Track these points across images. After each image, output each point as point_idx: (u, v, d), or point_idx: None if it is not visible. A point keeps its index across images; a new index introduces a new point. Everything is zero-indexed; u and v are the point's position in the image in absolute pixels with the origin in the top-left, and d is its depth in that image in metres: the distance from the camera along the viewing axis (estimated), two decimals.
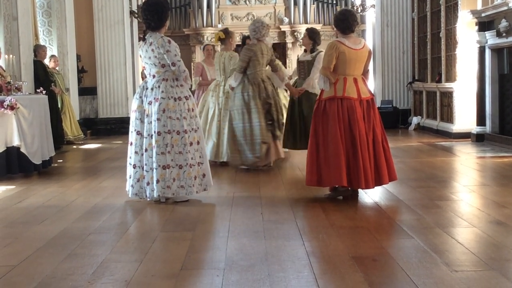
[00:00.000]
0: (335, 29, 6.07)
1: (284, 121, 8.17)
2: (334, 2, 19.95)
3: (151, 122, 5.79)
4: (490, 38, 10.23)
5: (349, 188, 5.81)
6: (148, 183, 5.80)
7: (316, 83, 7.79)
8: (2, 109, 7.32)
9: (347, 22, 5.81)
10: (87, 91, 14.59)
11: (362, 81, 5.85)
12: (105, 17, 14.34)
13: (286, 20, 19.64)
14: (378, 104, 14.39)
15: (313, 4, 19.85)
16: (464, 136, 11.14)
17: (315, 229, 4.77)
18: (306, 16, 19.68)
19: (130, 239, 4.66)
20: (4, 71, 8.53)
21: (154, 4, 5.87)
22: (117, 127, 14.23)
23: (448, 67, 12.07)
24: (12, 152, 7.51)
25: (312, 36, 8.18)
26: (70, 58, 13.33)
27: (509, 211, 5.16)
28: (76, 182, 7.38)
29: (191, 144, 5.82)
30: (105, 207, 5.74)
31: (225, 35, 8.72)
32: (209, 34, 19.68)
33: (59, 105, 11.53)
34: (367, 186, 5.64)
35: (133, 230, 4.98)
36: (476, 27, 10.54)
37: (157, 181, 5.71)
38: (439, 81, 12.46)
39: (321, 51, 7.95)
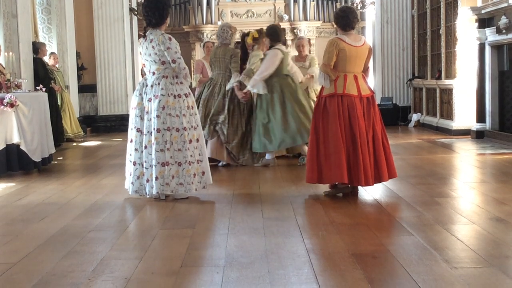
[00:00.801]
0: (335, 26, 6.08)
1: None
2: None
3: (150, 119, 5.78)
4: (490, 35, 10.22)
5: (349, 185, 5.81)
6: (147, 180, 5.80)
7: (261, 84, 7.81)
8: (2, 106, 7.32)
9: (347, 19, 5.81)
10: (87, 88, 14.59)
11: (362, 78, 5.85)
12: (104, 14, 14.33)
13: (286, 17, 19.63)
14: (378, 101, 14.38)
15: (313, 1, 19.83)
16: (464, 133, 11.14)
17: (315, 226, 4.78)
18: (306, 13, 19.67)
19: (130, 236, 4.66)
20: (4, 68, 8.53)
21: (155, 1, 5.87)
22: (117, 125, 14.23)
23: (448, 64, 12.06)
24: (12, 150, 7.51)
25: (267, 34, 8.08)
26: (70, 56, 13.33)
27: (509, 208, 5.16)
28: (76, 179, 7.38)
29: (190, 141, 5.82)
30: (105, 205, 5.74)
31: (259, 35, 8.76)
32: (208, 31, 19.67)
33: (59, 103, 11.53)
34: (367, 183, 5.65)
35: (133, 227, 4.98)
36: (476, 24, 10.52)
37: (156, 178, 5.71)
38: (439, 78, 12.46)
39: (276, 49, 7.93)
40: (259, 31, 8.76)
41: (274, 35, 8.04)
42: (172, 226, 4.88)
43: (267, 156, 7.99)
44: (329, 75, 5.73)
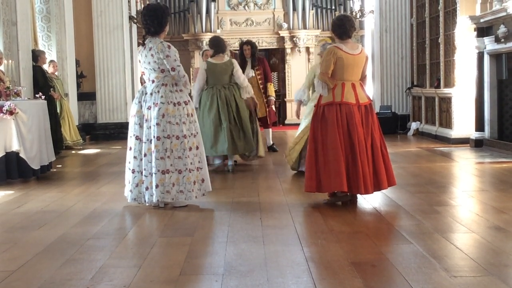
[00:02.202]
0: (332, 34, 6.08)
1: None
2: (333, 7, 19.97)
3: (150, 127, 5.79)
4: (489, 44, 10.24)
5: (348, 194, 5.81)
6: (147, 188, 5.80)
7: (196, 99, 8.22)
8: (1, 114, 7.32)
9: (344, 28, 5.82)
10: (86, 96, 14.59)
11: (360, 87, 5.86)
12: (104, 22, 14.35)
13: (285, 25, 19.65)
14: (377, 109, 14.40)
15: (312, 9, 19.85)
16: (462, 141, 11.15)
17: (314, 234, 4.77)
18: (305, 21, 19.69)
19: (129, 244, 4.66)
20: (4, 74, 8.52)
21: (154, 9, 5.89)
22: (116, 132, 14.23)
23: (446, 73, 12.08)
24: (11, 157, 7.51)
25: (210, 44, 8.43)
26: (69, 63, 13.33)
27: (508, 217, 5.16)
28: (75, 187, 7.38)
29: (190, 149, 5.83)
30: (104, 212, 5.74)
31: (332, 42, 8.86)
32: (208, 39, 19.68)
33: (58, 110, 11.52)
34: (366, 192, 5.64)
35: (132, 235, 4.97)
36: (475, 33, 10.56)
37: (156, 186, 5.71)
38: (438, 86, 12.47)
39: (205, 61, 8.36)
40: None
41: (217, 45, 8.31)
42: (171, 234, 4.87)
43: (216, 161, 8.44)
44: (327, 83, 5.74)
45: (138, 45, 15.23)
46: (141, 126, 5.88)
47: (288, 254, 4.15)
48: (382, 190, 5.88)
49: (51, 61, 12.14)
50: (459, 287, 3.40)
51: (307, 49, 19.71)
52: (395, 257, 4.04)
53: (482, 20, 10.22)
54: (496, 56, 10.32)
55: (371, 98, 6.05)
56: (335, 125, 5.65)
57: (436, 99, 12.54)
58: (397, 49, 15.03)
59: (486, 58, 10.43)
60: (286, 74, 19.81)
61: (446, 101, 12.07)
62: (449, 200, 6.10)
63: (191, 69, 18.54)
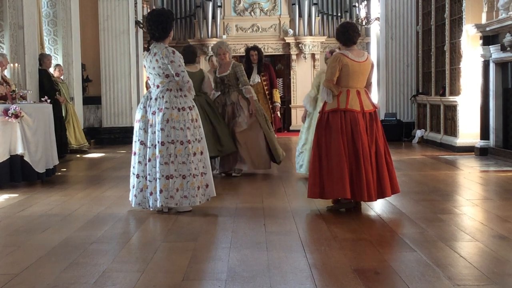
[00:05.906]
0: (337, 42, 6.08)
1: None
2: (339, 14, 19.98)
3: (154, 132, 5.80)
4: (495, 52, 10.23)
5: (352, 201, 5.80)
6: (151, 193, 5.80)
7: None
8: (7, 117, 7.34)
9: (348, 35, 5.82)
10: (92, 100, 14.63)
11: (365, 94, 5.85)
12: (110, 27, 14.40)
13: (290, 32, 19.68)
14: (382, 116, 14.39)
15: (318, 16, 19.87)
16: (467, 149, 11.13)
17: (318, 241, 4.77)
18: (311, 28, 19.70)
19: (132, 249, 4.66)
20: (8, 78, 8.55)
21: (159, 15, 5.91)
22: (121, 137, 14.26)
23: (452, 81, 12.07)
24: (16, 161, 7.52)
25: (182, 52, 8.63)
26: (75, 67, 13.37)
27: None
28: (79, 191, 7.39)
29: (194, 154, 5.83)
30: (108, 217, 5.74)
31: None
32: (213, 45, 19.72)
33: (63, 114, 11.55)
34: (370, 199, 5.64)
35: (135, 239, 4.98)
36: (481, 41, 10.55)
37: (161, 191, 5.71)
38: (443, 94, 12.46)
39: None
40: None
41: (184, 56, 8.46)
42: (174, 239, 4.87)
43: None
44: (332, 90, 5.74)
45: (144, 50, 15.27)
46: (145, 131, 5.89)
47: (291, 260, 4.14)
48: (386, 198, 5.87)
49: (57, 65, 12.18)
50: None
51: (313, 55, 19.72)
52: (399, 265, 4.03)
53: (488, 29, 10.22)
54: (501, 65, 10.31)
55: (376, 105, 6.03)
56: (339, 132, 5.65)
57: (441, 107, 12.52)
58: (403, 57, 15.03)
59: (492, 67, 10.42)
60: (292, 80, 19.81)
61: (451, 109, 12.05)
62: (453, 208, 6.09)
63: None
